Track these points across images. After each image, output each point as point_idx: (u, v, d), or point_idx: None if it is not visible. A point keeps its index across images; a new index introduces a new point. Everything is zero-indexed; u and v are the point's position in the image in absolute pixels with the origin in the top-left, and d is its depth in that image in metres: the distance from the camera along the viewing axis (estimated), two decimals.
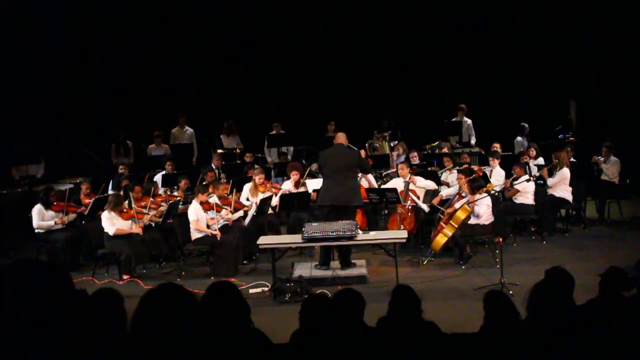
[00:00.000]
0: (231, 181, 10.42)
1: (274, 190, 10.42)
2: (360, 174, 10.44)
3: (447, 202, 9.79)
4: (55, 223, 9.72)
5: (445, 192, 10.17)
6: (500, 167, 10.80)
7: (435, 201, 9.86)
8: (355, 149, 9.82)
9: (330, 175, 8.78)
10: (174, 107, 14.07)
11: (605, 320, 4.15)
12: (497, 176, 10.60)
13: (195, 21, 14.61)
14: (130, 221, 9.33)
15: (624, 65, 13.13)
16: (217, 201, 9.59)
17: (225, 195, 9.86)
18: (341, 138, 9.04)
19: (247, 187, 10.42)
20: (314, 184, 10.23)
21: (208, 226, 9.35)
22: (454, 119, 13.50)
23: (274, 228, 10.23)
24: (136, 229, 9.26)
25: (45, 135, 13.01)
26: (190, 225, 9.28)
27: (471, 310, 6.36)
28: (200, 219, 9.27)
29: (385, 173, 11.57)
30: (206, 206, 9.42)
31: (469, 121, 13.51)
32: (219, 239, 9.19)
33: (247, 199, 10.20)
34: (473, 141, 13.36)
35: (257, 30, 14.78)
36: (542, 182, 10.62)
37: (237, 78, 14.83)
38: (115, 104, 14.18)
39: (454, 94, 13.99)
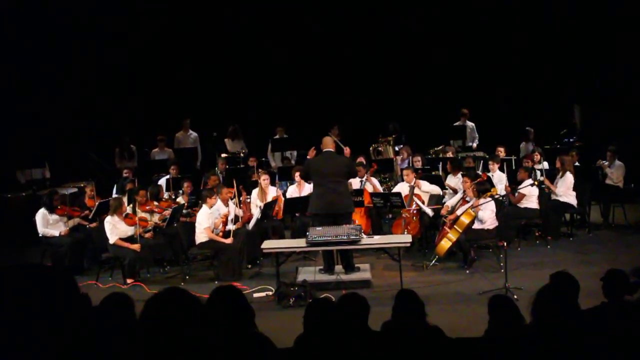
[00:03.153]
0: (235, 184, 10.41)
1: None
2: (365, 177, 10.46)
3: (452, 209, 9.75)
4: (60, 234, 9.74)
5: (450, 202, 10.04)
6: (501, 171, 10.79)
7: (443, 212, 9.78)
8: (342, 146, 9.78)
9: (320, 183, 8.69)
10: (178, 111, 14.09)
11: (609, 324, 4.13)
12: (497, 180, 10.58)
13: (198, 24, 14.63)
14: (134, 227, 9.34)
15: (628, 69, 13.11)
16: (222, 205, 9.62)
17: (230, 198, 9.91)
18: (328, 144, 8.96)
19: (255, 192, 10.44)
20: None
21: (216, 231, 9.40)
22: (456, 123, 13.50)
23: (278, 232, 10.25)
24: (137, 232, 9.28)
25: (49, 139, 13.05)
26: (196, 229, 9.29)
27: (475, 315, 6.36)
28: (210, 225, 9.30)
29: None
30: (224, 219, 9.46)
31: (472, 125, 13.52)
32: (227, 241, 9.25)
33: (257, 205, 10.20)
34: (475, 145, 13.37)
35: (260, 33, 14.79)
36: (543, 185, 10.59)
37: (241, 82, 14.83)
38: (118, 108, 14.20)
39: (458, 97, 13.98)
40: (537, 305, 3.97)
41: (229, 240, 9.23)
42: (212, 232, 9.29)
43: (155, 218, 9.87)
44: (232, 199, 9.96)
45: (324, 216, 8.59)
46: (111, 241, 9.13)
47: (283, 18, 14.70)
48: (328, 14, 14.74)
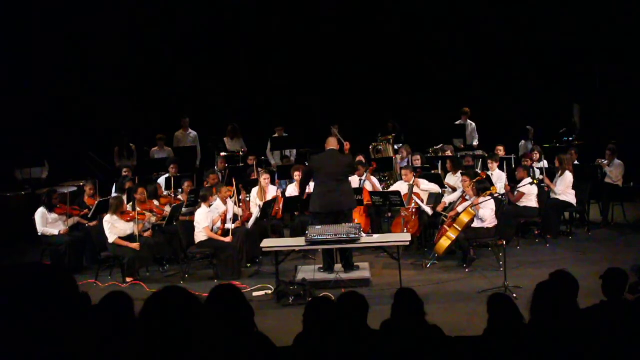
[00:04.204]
0: (234, 183, 10.41)
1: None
2: (364, 176, 10.48)
3: (450, 206, 9.78)
4: (60, 233, 9.74)
5: (448, 198, 10.09)
6: (500, 170, 10.79)
7: (439, 208, 9.83)
8: (343, 141, 9.81)
9: (324, 181, 8.69)
10: (177, 110, 14.09)
11: (609, 323, 4.14)
12: (496, 179, 10.58)
13: (199, 23, 14.63)
14: (132, 223, 9.34)
15: (628, 68, 13.11)
16: (221, 204, 9.62)
17: (229, 197, 9.91)
18: (332, 143, 8.98)
19: (255, 190, 10.43)
20: None
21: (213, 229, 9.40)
22: (457, 122, 13.51)
23: (277, 231, 10.24)
24: (137, 231, 9.28)
25: (48, 138, 13.03)
26: (195, 229, 9.29)
27: (475, 314, 6.37)
28: (209, 224, 9.30)
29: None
30: (223, 217, 9.45)
31: (473, 124, 13.53)
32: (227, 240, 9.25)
33: (256, 204, 10.20)
34: (476, 143, 13.37)
35: (260, 32, 14.79)
36: (543, 184, 10.60)
37: (241, 80, 14.84)
38: (118, 107, 14.19)
39: (458, 97, 13.98)
40: (536, 304, 3.97)
41: (228, 239, 9.23)
42: (211, 229, 9.29)
43: (152, 215, 9.85)
44: (231, 198, 9.95)
45: (326, 215, 8.59)
46: (110, 240, 9.12)
47: (283, 17, 14.70)
48: (328, 13, 14.73)
